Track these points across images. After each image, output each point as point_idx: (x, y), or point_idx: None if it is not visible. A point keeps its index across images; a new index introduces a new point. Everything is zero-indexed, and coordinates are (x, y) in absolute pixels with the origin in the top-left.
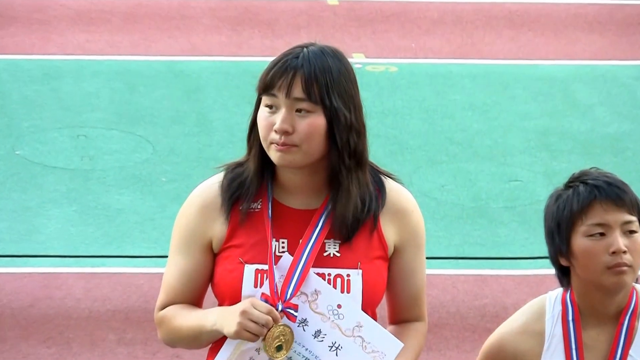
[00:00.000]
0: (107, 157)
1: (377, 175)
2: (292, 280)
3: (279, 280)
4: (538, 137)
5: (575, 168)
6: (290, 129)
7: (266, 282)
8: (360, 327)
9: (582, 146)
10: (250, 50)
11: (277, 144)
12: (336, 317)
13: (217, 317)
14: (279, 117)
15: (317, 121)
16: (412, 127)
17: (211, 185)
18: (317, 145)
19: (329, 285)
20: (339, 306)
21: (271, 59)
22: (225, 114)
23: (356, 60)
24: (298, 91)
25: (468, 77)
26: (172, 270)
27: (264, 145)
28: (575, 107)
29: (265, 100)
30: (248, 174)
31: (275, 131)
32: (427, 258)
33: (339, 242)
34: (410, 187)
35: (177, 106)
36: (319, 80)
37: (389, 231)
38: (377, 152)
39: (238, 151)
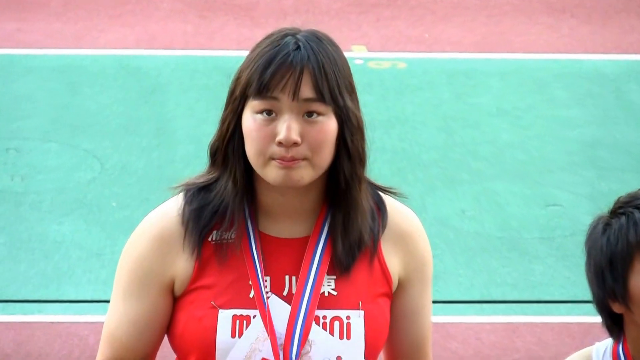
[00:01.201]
0: (43, 176)
1: (374, 190)
2: (294, 338)
3: (279, 337)
4: (583, 150)
5: (629, 189)
6: (300, 139)
7: (257, 339)
8: None
9: (637, 162)
10: (222, 42)
11: (283, 160)
12: None
13: None
14: (282, 126)
15: (330, 125)
16: (425, 138)
17: (168, 211)
18: (328, 155)
19: (326, 332)
20: (339, 358)
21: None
22: (192, 121)
23: (356, 54)
24: (308, 91)
25: (495, 75)
26: (120, 318)
27: (258, 161)
28: (629, 112)
29: (258, 104)
30: (224, 199)
31: (280, 143)
32: (444, 302)
33: (334, 277)
34: (424, 214)
35: (131, 112)
36: (328, 75)
37: (393, 261)
38: (382, 170)
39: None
